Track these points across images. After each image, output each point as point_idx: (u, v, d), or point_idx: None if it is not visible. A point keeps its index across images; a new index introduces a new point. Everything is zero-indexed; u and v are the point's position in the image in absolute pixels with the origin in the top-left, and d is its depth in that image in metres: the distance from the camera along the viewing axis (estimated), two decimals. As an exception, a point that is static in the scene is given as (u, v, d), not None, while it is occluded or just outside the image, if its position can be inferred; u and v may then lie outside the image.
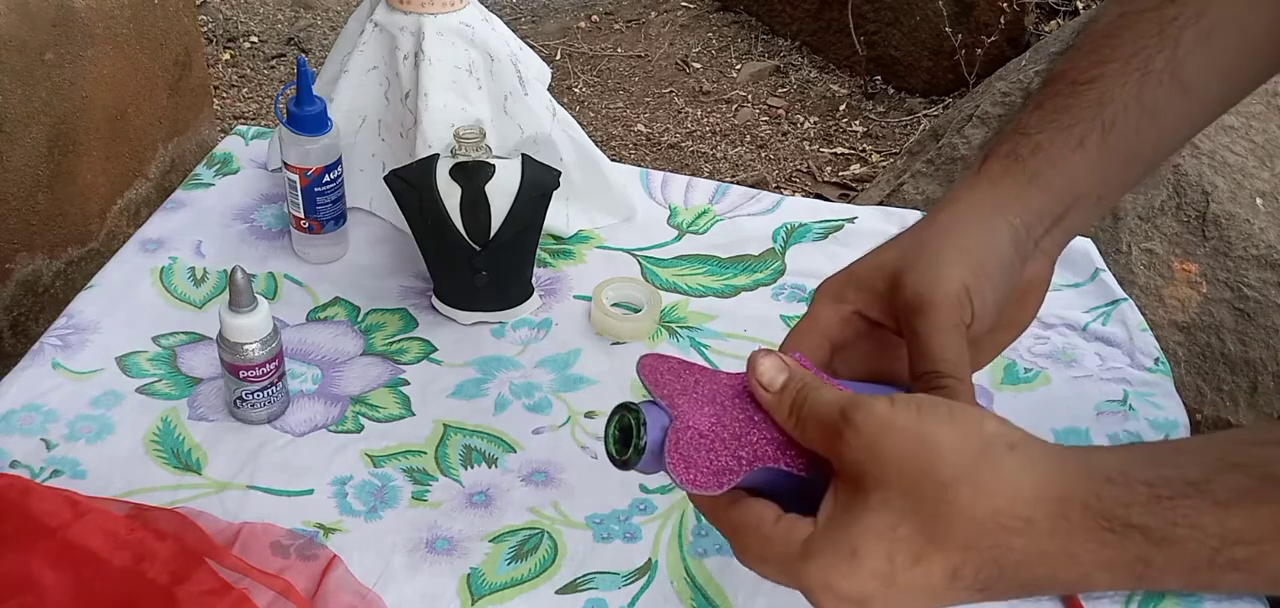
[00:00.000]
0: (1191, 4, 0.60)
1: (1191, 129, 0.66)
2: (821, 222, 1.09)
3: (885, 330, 0.60)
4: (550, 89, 1.07)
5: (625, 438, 0.54)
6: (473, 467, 0.82)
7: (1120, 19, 0.62)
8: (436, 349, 0.93)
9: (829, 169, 2.60)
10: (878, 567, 0.48)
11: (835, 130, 2.74)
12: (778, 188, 2.49)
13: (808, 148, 2.68)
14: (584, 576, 0.74)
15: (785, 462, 0.53)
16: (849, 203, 1.67)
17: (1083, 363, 0.93)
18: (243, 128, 1.20)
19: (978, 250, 0.58)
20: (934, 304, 0.56)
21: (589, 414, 0.87)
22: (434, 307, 0.96)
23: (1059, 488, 0.47)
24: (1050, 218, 0.62)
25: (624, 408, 0.54)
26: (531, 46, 1.08)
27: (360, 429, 0.85)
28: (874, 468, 0.49)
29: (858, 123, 2.77)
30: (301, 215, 0.98)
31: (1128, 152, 0.62)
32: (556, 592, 0.73)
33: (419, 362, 0.91)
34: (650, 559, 0.75)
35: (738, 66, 2.99)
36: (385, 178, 0.92)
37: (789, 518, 0.51)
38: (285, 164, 0.96)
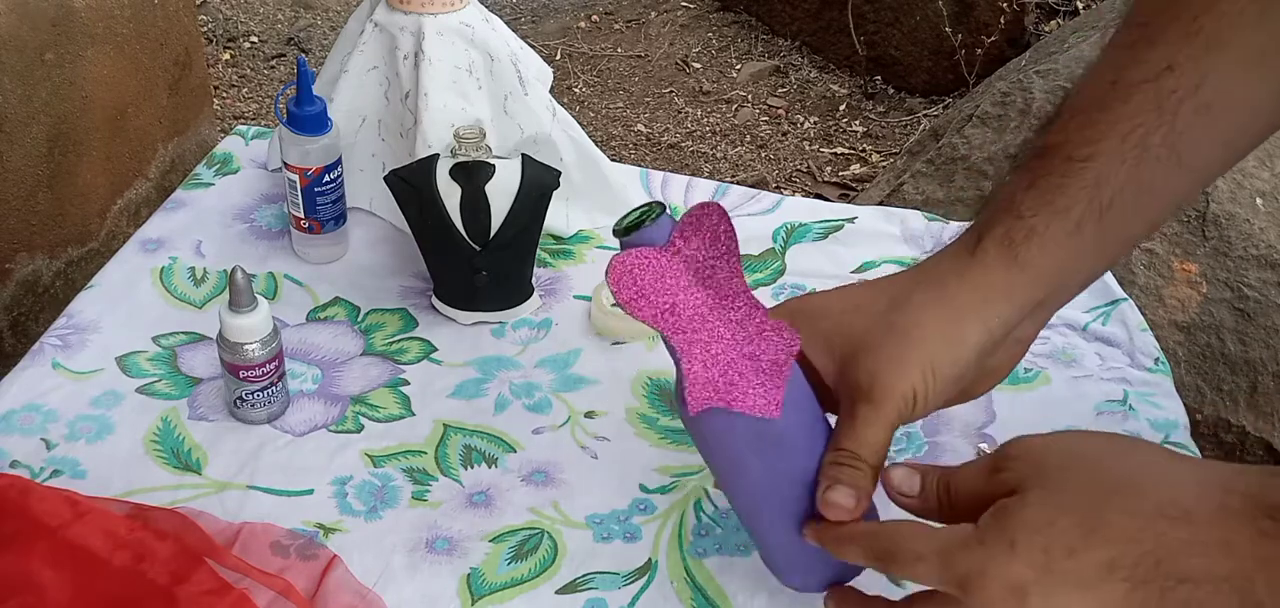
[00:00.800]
0: (1188, 74, 0.57)
1: (1186, 199, 0.65)
2: (821, 222, 1.09)
3: (815, 373, 0.63)
4: (551, 90, 1.07)
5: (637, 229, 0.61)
6: (473, 467, 0.82)
7: (1114, 88, 0.59)
8: (436, 349, 0.93)
9: (829, 169, 2.60)
10: (1034, 558, 0.50)
11: (835, 130, 2.74)
12: (778, 188, 2.49)
13: (808, 148, 2.68)
14: (584, 576, 0.74)
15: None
16: (849, 203, 1.67)
17: (1083, 363, 0.93)
18: (243, 128, 1.20)
19: (939, 356, 0.59)
20: (878, 401, 0.59)
21: (589, 414, 0.87)
22: (434, 307, 0.96)
23: (1222, 480, 0.49)
24: (1034, 304, 0.61)
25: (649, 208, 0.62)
26: (531, 46, 1.08)
27: (360, 429, 0.85)
28: (1034, 475, 0.52)
29: (858, 123, 2.77)
30: (301, 215, 0.98)
31: (1122, 232, 0.60)
32: (556, 592, 0.73)
33: (419, 362, 0.91)
34: (650, 559, 0.75)
35: (738, 66, 2.99)
36: (385, 178, 0.92)
37: (949, 526, 0.55)
38: (285, 164, 0.96)
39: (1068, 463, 0.53)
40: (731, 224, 0.60)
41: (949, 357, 0.59)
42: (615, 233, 0.61)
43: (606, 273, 0.60)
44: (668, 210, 0.61)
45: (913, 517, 0.59)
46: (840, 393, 0.61)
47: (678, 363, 0.63)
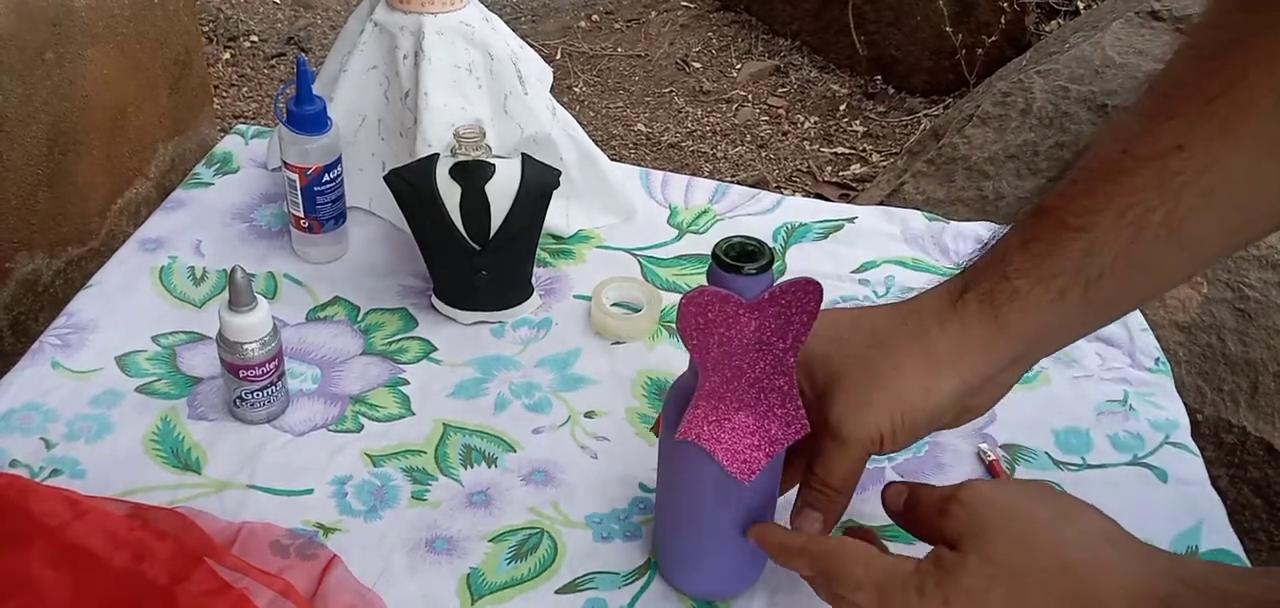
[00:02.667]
0: (1198, 156, 0.55)
1: (1183, 278, 0.64)
2: (822, 221, 1.09)
3: None
4: (551, 89, 1.07)
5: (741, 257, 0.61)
6: (472, 466, 0.82)
7: (1122, 159, 0.57)
8: (436, 349, 0.93)
9: (829, 169, 2.60)
10: None
11: (835, 130, 2.74)
12: (778, 188, 2.49)
13: (808, 148, 2.68)
14: (584, 576, 0.74)
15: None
16: (849, 203, 1.67)
17: (1083, 363, 0.93)
18: (242, 127, 1.19)
19: (911, 402, 0.60)
20: (847, 440, 0.62)
21: (589, 414, 0.87)
22: (434, 306, 0.96)
23: (1145, 580, 0.51)
24: (1012, 360, 0.62)
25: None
26: (531, 46, 1.08)
27: (360, 429, 0.85)
28: (976, 534, 0.54)
29: (858, 123, 2.77)
30: (301, 215, 0.98)
31: (1111, 303, 0.60)
32: (556, 592, 0.73)
33: (419, 361, 0.91)
34: (650, 559, 0.75)
35: (738, 66, 2.99)
36: (385, 177, 0.92)
37: (893, 556, 0.58)
38: (285, 163, 0.96)
39: (1007, 525, 0.55)
40: (818, 307, 0.61)
41: (921, 404, 0.61)
42: (714, 253, 0.61)
43: (682, 299, 0.59)
44: (774, 265, 0.61)
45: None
46: (814, 420, 0.64)
47: (691, 384, 0.64)
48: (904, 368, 0.61)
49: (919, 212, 1.12)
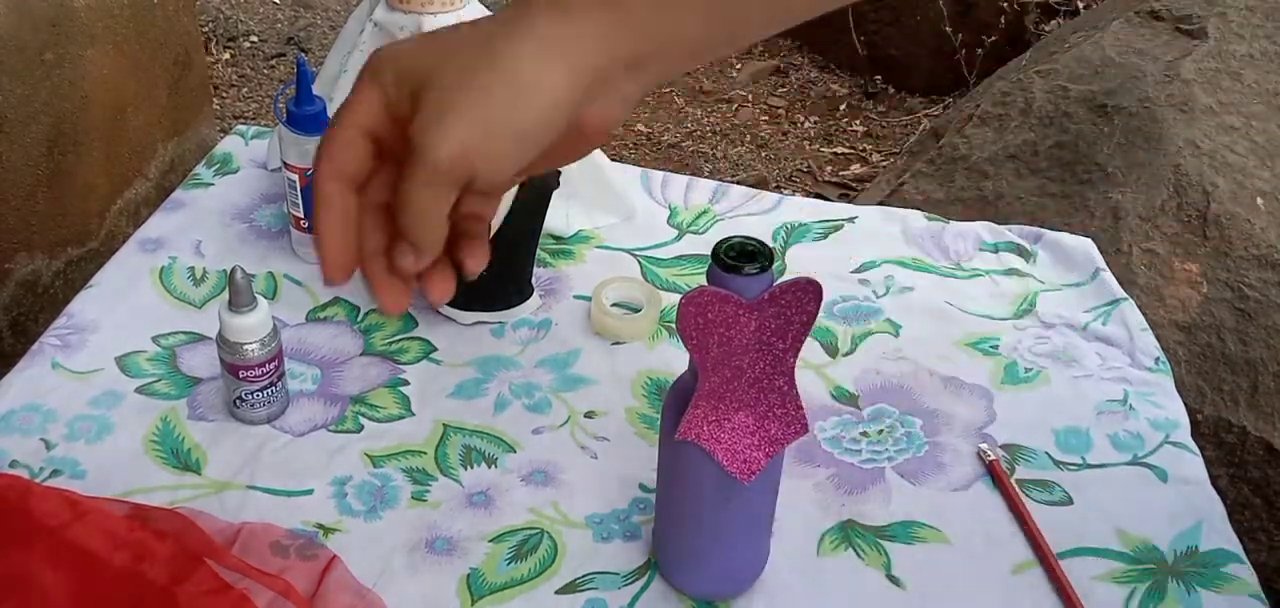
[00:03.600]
0: None
1: None
2: (821, 221, 1.09)
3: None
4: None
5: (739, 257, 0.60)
6: (472, 467, 0.82)
7: None
8: (436, 349, 0.93)
9: (829, 169, 2.60)
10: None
11: (835, 130, 2.74)
12: (778, 188, 2.49)
13: (808, 147, 2.68)
14: (584, 576, 0.74)
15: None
16: (849, 203, 1.67)
17: (1083, 363, 0.93)
18: (243, 128, 1.19)
19: (505, 112, 0.49)
20: (418, 163, 0.49)
21: (589, 414, 0.87)
22: (434, 306, 0.96)
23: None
24: (630, 58, 0.52)
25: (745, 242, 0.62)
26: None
27: (360, 429, 0.85)
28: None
29: (858, 122, 2.77)
30: (301, 215, 0.98)
31: (735, 4, 0.52)
32: (556, 592, 0.73)
33: (419, 361, 0.91)
34: (650, 559, 0.75)
35: (738, 66, 2.99)
36: (385, 178, 0.92)
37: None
38: (285, 164, 0.96)
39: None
40: (818, 307, 0.61)
41: (520, 110, 0.50)
42: (714, 253, 0.61)
43: (681, 299, 0.60)
44: (774, 265, 0.61)
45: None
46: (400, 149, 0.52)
47: (691, 384, 0.64)
48: (495, 72, 0.49)
49: (919, 211, 1.12)
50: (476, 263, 0.55)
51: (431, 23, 0.97)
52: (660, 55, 0.53)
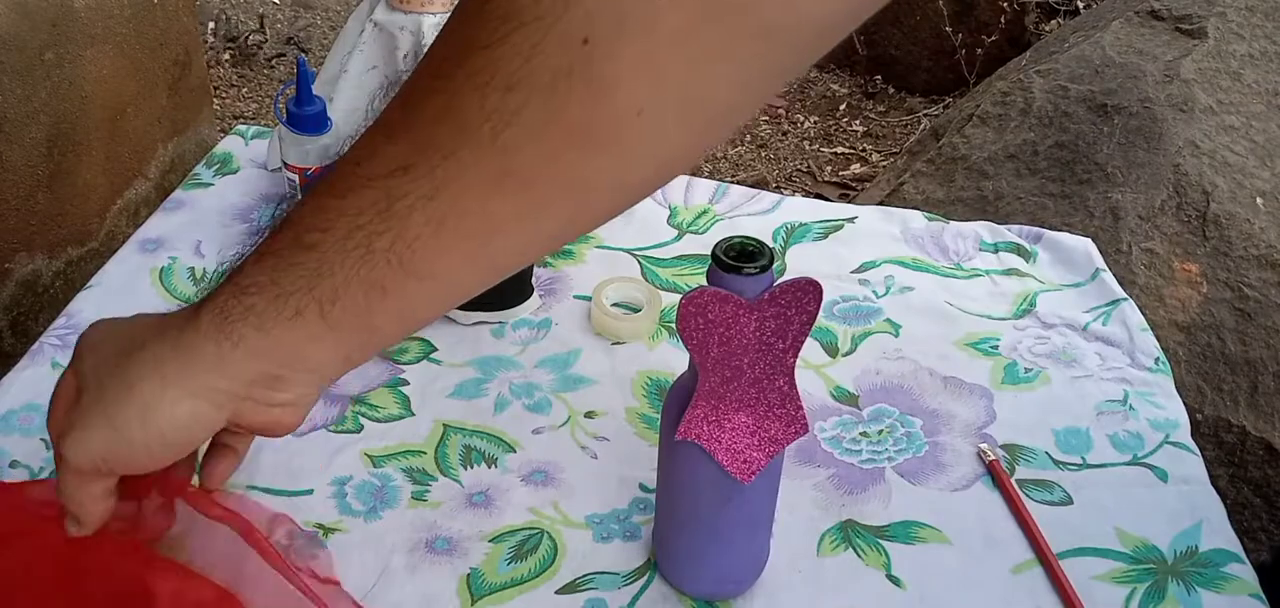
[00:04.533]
0: (423, 181, 0.48)
1: (450, 304, 0.56)
2: (821, 221, 1.09)
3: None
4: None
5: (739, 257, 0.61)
6: (472, 467, 0.82)
7: (353, 174, 0.51)
8: (436, 349, 0.93)
9: (829, 169, 2.60)
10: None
11: (835, 130, 2.74)
12: (778, 187, 2.49)
13: (808, 147, 2.68)
14: (584, 576, 0.74)
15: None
16: (849, 203, 1.67)
17: (1083, 363, 0.93)
18: (242, 128, 1.19)
19: (139, 431, 0.55)
20: (60, 464, 0.58)
21: (589, 414, 0.87)
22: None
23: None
24: (264, 377, 0.55)
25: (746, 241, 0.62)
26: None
27: (360, 429, 0.85)
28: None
29: (858, 122, 2.77)
30: (301, 215, 0.98)
31: (364, 327, 0.53)
32: (556, 592, 0.73)
33: (419, 362, 0.91)
34: (650, 559, 0.75)
35: (738, 66, 2.99)
36: (385, 178, 0.92)
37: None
38: (285, 164, 0.96)
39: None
40: (818, 307, 0.61)
41: (138, 432, 0.55)
42: (714, 253, 0.61)
43: (681, 299, 0.60)
44: (774, 265, 0.61)
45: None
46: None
47: (691, 384, 0.64)
48: (136, 387, 0.55)
49: (919, 211, 1.12)
50: (212, 481, 0.65)
51: (431, 22, 0.97)
52: (302, 369, 0.56)
